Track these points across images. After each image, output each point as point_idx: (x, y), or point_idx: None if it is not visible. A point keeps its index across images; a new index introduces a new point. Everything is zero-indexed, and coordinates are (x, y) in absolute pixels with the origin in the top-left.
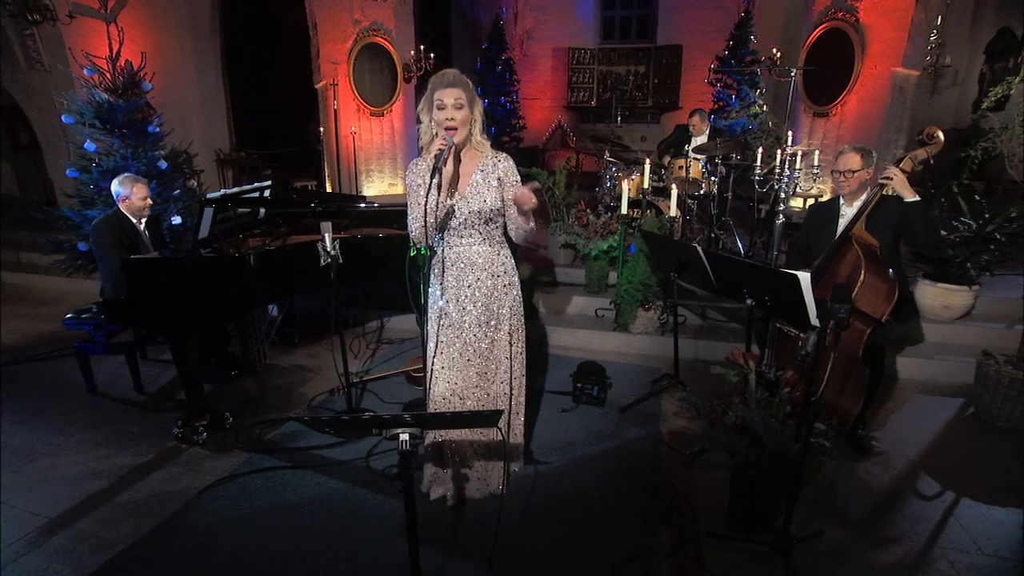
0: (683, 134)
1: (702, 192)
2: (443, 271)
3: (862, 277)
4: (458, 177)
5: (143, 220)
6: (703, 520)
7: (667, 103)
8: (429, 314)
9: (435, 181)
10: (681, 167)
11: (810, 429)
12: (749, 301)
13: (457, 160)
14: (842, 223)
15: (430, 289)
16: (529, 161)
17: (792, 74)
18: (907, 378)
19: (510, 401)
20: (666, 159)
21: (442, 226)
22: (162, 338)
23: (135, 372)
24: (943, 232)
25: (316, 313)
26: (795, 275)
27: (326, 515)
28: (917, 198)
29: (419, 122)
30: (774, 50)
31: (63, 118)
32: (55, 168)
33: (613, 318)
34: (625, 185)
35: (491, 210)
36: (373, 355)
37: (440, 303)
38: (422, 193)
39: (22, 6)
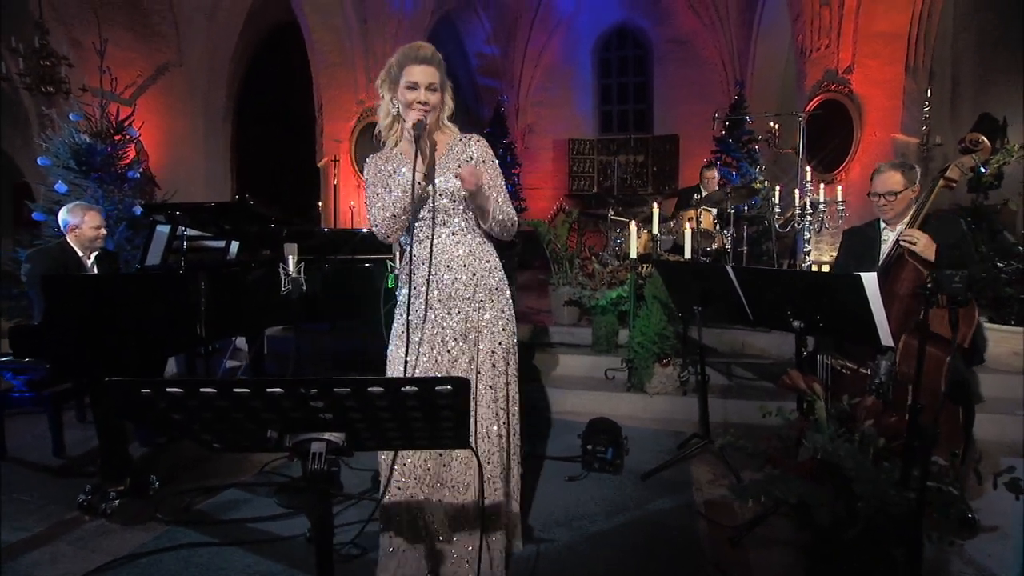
0: (690, 192)
1: (714, 247)
2: (411, 272)
3: None
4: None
5: (93, 254)
6: None
7: (666, 189)
8: (393, 328)
9: (417, 153)
10: (690, 218)
11: (926, 468)
12: (797, 324)
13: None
14: (884, 249)
15: (398, 299)
16: (532, 239)
17: (800, 123)
18: (986, 439)
19: (503, 444)
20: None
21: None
22: (79, 375)
23: (57, 430)
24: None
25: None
26: (858, 277)
27: None
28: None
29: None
30: (772, 124)
31: (39, 160)
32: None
33: (626, 378)
34: (633, 227)
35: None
36: None
37: (407, 313)
38: (390, 182)
39: (36, 79)
